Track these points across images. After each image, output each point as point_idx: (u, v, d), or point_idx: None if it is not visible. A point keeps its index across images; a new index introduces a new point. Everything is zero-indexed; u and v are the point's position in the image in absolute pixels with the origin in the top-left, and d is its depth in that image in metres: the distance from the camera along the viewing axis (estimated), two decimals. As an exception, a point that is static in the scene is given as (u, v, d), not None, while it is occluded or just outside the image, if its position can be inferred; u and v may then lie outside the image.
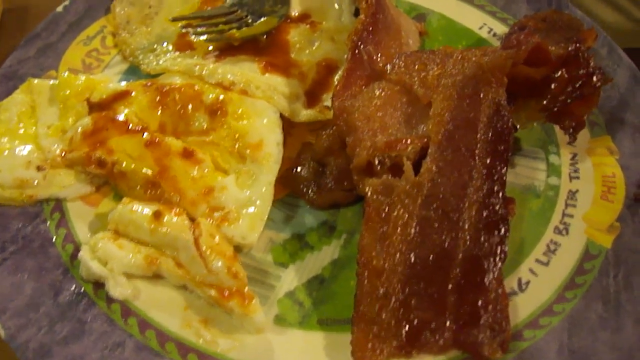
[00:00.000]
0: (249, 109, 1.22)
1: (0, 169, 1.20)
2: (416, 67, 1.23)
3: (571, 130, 1.26)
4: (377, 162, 1.13)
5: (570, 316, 1.07)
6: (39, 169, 1.21)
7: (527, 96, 1.26)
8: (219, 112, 1.21)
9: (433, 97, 1.19)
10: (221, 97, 1.23)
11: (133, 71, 1.38)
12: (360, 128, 1.17)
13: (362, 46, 1.26)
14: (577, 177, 1.26)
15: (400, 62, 1.24)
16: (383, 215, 1.10)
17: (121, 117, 1.22)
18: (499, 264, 1.05)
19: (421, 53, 1.26)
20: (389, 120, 1.19)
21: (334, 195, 1.19)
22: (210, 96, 1.23)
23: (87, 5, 1.46)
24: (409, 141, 1.15)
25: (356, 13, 1.42)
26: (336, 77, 1.32)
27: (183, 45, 1.36)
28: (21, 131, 1.26)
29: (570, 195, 1.24)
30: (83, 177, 1.22)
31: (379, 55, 1.29)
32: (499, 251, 1.06)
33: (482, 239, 1.07)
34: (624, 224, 1.18)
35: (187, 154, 1.17)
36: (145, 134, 1.19)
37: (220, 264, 1.06)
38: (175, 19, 1.34)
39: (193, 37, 1.33)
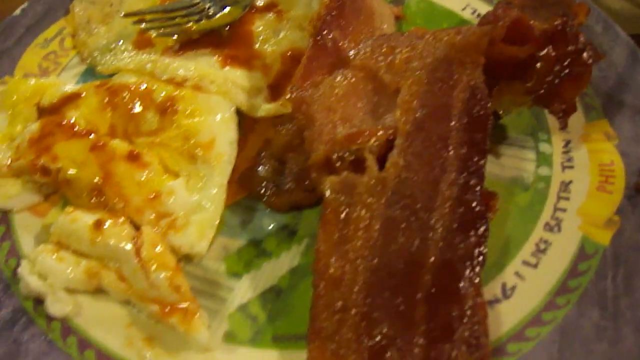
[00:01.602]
0: (201, 106, 1.06)
1: (-58, 180, 1.07)
2: (383, 50, 1.05)
3: (561, 114, 1.06)
4: (336, 157, 0.96)
5: (561, 326, 0.89)
6: (-17, 179, 1.08)
7: (510, 78, 1.06)
8: (168, 111, 1.05)
9: (401, 83, 1.01)
10: (173, 94, 1.07)
11: (91, 73, 1.24)
12: (319, 120, 1.00)
13: (326, 32, 1.09)
14: (571, 167, 1.06)
15: (366, 47, 1.07)
16: (342, 216, 0.92)
17: (67, 121, 1.08)
18: (477, 268, 0.86)
19: (389, 36, 1.09)
20: (352, 111, 1.01)
21: (294, 197, 1.03)
22: (162, 94, 1.08)
23: (47, 7, 1.33)
24: (371, 132, 0.97)
25: (327, -1, 1.25)
26: (302, 68, 1.15)
27: (143, 42, 1.22)
28: (-31, 140, 1.13)
29: (563, 187, 1.04)
30: (30, 186, 1.08)
31: (347, 42, 1.11)
32: (476, 254, 0.87)
33: (457, 240, 0.88)
34: (624, 218, 0.98)
35: (132, 157, 1.02)
36: (92, 137, 1.04)
37: (161, 276, 0.91)
38: (128, 14, 1.20)
39: (151, 33, 1.18)
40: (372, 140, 0.97)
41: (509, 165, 1.08)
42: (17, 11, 1.31)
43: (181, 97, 1.07)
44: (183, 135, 1.03)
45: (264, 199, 1.03)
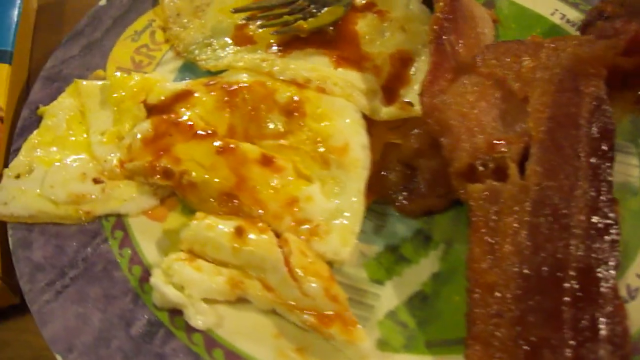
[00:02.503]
0: (328, 109, 0.99)
1: (52, 183, 0.97)
2: (508, 59, 1.02)
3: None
4: (479, 165, 0.92)
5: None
6: (95, 181, 0.97)
7: (619, 88, 1.05)
8: (296, 113, 0.98)
9: (529, 92, 0.98)
10: (297, 96, 0.99)
11: (188, 68, 1.14)
12: (456, 127, 0.95)
13: (444, 36, 1.04)
14: (675, 172, 1.05)
15: (490, 54, 1.02)
16: (491, 224, 0.89)
17: (184, 121, 0.98)
18: (613, 271, 0.85)
19: (510, 44, 1.05)
20: (485, 118, 0.97)
21: (428, 202, 0.97)
22: (285, 95, 1.00)
23: (133, -1, 1.21)
24: (512, 140, 0.94)
25: (424, 1, 1.19)
26: (412, 70, 1.09)
27: (242, 38, 1.13)
28: (72, 139, 1.02)
29: (669, 190, 1.03)
30: (146, 189, 0.98)
31: (460, 45, 1.06)
32: (611, 257, 0.86)
33: (595, 245, 0.86)
34: None
35: (266, 161, 0.94)
36: (216, 139, 0.96)
37: (316, 285, 0.84)
38: (237, 10, 1.10)
39: (258, 29, 1.09)
40: (513, 147, 0.93)
41: (616, 170, 1.05)
42: (102, 1, 1.19)
43: (306, 98, 0.99)
44: (314, 138, 0.96)
45: (397, 204, 0.98)
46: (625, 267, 0.95)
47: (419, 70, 1.10)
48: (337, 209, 0.93)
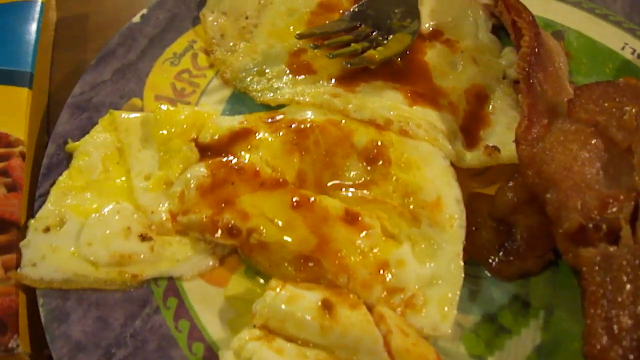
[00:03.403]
0: (414, 156, 0.83)
1: (90, 240, 0.77)
2: (606, 104, 0.87)
3: None
4: (592, 227, 0.77)
5: None
6: (142, 238, 0.78)
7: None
8: (380, 160, 0.81)
9: (633, 142, 0.84)
10: (380, 139, 0.82)
11: (239, 98, 0.95)
12: (563, 182, 0.80)
13: (533, 74, 0.89)
14: None
15: (586, 98, 0.88)
16: (608, 295, 0.75)
17: (248, 166, 0.80)
18: None
19: (604, 86, 0.91)
20: (589, 171, 0.83)
21: (526, 264, 0.82)
22: (365, 137, 0.82)
23: (170, 15, 1.01)
24: (621, 198, 0.80)
25: (493, 30, 1.04)
26: (489, 108, 0.94)
27: (299, 67, 0.95)
28: (109, 183, 0.82)
29: None
30: (202, 247, 0.80)
31: (547, 84, 0.92)
32: None
33: None
34: None
35: (352, 219, 0.77)
36: (290, 191, 0.78)
37: (424, 373, 0.68)
38: (300, 36, 0.92)
39: (329, 56, 0.91)
40: (625, 206, 0.79)
41: None
42: (136, 18, 0.98)
43: (389, 142, 0.83)
44: (402, 191, 0.80)
45: (493, 266, 0.82)
46: None
47: (497, 109, 0.95)
48: (432, 275, 0.77)
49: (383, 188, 0.80)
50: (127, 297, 0.76)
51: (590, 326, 0.74)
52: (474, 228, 0.85)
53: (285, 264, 0.76)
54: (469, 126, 0.92)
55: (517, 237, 0.83)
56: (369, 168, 0.81)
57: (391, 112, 0.85)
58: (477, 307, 0.80)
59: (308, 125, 0.84)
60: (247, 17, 1.01)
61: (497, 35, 1.04)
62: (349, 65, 0.90)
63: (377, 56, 0.91)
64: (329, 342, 0.71)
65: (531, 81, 0.89)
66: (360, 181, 0.81)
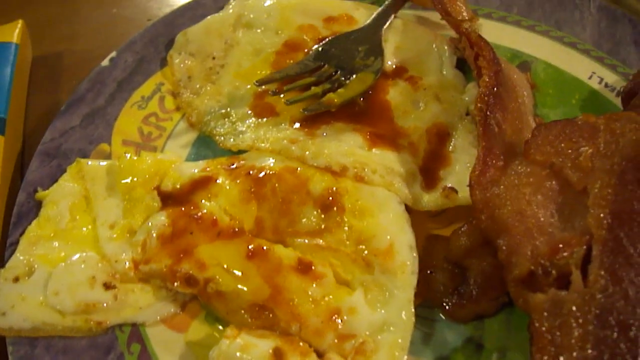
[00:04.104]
0: (369, 202, 0.87)
1: (57, 289, 0.83)
2: (563, 144, 0.91)
3: None
4: (540, 272, 0.81)
5: None
6: (107, 286, 0.84)
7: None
8: (334, 207, 0.85)
9: (588, 184, 0.88)
10: (333, 186, 0.87)
11: (204, 142, 1.00)
12: (514, 227, 0.84)
13: (491, 115, 0.93)
14: None
15: (542, 138, 0.91)
16: (556, 340, 0.79)
17: (207, 215, 0.85)
18: None
19: (562, 125, 0.94)
20: (543, 215, 0.87)
21: (480, 307, 0.87)
22: (320, 185, 0.87)
23: (138, 58, 1.05)
24: (572, 242, 0.83)
25: (457, 64, 1.07)
26: (450, 147, 0.98)
27: (262, 109, 0.99)
28: (76, 232, 0.88)
29: None
30: (164, 294, 0.86)
31: (506, 122, 0.95)
32: None
33: None
34: None
35: (304, 268, 0.82)
36: (245, 239, 0.83)
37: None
38: (260, 83, 0.96)
39: (285, 103, 0.95)
40: (576, 250, 0.83)
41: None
42: (105, 61, 1.03)
43: (344, 190, 0.87)
44: (355, 238, 0.84)
45: (446, 309, 0.87)
46: None
47: (458, 147, 0.99)
48: (383, 321, 0.82)
49: (337, 236, 0.85)
50: (93, 344, 0.82)
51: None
52: (429, 271, 0.90)
53: (242, 312, 0.82)
54: (429, 166, 0.96)
55: (470, 280, 0.87)
56: (323, 216, 0.86)
57: (347, 159, 0.90)
58: (430, 350, 0.85)
59: (266, 173, 0.88)
60: (214, 58, 1.05)
61: (461, 69, 1.08)
62: (306, 112, 0.94)
63: (336, 100, 0.96)
64: (280, 389, 0.76)
65: (488, 122, 0.92)
66: (316, 229, 0.85)
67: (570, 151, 0.90)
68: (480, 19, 1.15)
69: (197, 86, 1.03)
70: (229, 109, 1.00)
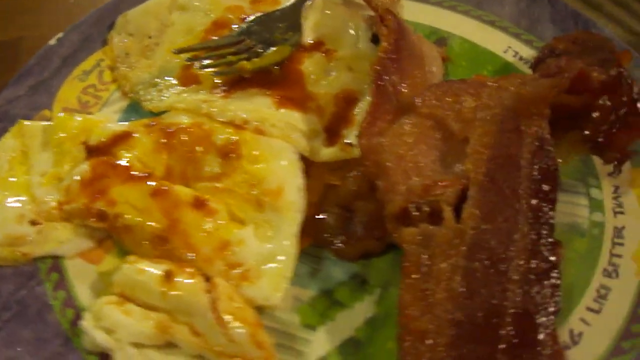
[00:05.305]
0: (265, 151, 1.02)
1: (-11, 224, 0.99)
2: (449, 99, 1.04)
3: (615, 162, 1.07)
4: (413, 208, 0.93)
5: (630, 371, 0.89)
6: (33, 223, 1.00)
7: (567, 127, 1.06)
8: (232, 155, 1.00)
9: (469, 133, 1.00)
10: (234, 137, 1.02)
11: (134, 108, 1.17)
12: (392, 170, 0.97)
13: (386, 77, 1.06)
14: (622, 212, 1.07)
15: (431, 94, 1.04)
16: (423, 269, 0.91)
17: (123, 163, 1.01)
18: (552, 317, 0.87)
19: (452, 83, 1.07)
20: (423, 160, 0.99)
21: (365, 245, 0.99)
22: (222, 137, 1.02)
23: (83, 37, 1.25)
24: (447, 183, 0.95)
25: (373, 39, 1.22)
26: (356, 110, 1.12)
27: (188, 78, 1.16)
28: (12, 179, 1.05)
29: (617, 232, 1.05)
30: (82, 231, 1.01)
31: (404, 85, 1.08)
32: (551, 303, 0.88)
33: (534, 290, 0.88)
34: (681, 263, 0.99)
35: (199, 204, 0.96)
36: (151, 182, 0.98)
37: (242, 331, 0.86)
38: (179, 51, 1.13)
39: (200, 69, 1.11)
40: (449, 190, 0.95)
41: (564, 211, 1.07)
42: (52, 41, 1.23)
43: (243, 140, 1.02)
44: (249, 181, 0.99)
45: (334, 248, 0.99)
46: (569, 311, 0.97)
47: (364, 110, 1.12)
48: (269, 253, 0.95)
49: (234, 179, 1.00)
50: (17, 272, 0.99)
51: (403, 297, 0.90)
52: (322, 215, 1.03)
53: (145, 243, 0.96)
54: (334, 126, 1.10)
55: (356, 221, 1.00)
56: (223, 163, 1.01)
57: (249, 114, 1.05)
58: (316, 283, 0.98)
59: (176, 128, 1.04)
60: (150, 37, 1.23)
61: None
62: (214, 76, 1.10)
63: (249, 66, 1.11)
64: (168, 306, 0.90)
65: (381, 83, 1.06)
66: (216, 174, 1.00)
67: (455, 104, 1.03)
68: (403, 0, 1.30)
69: (133, 61, 1.21)
70: (157, 79, 1.17)
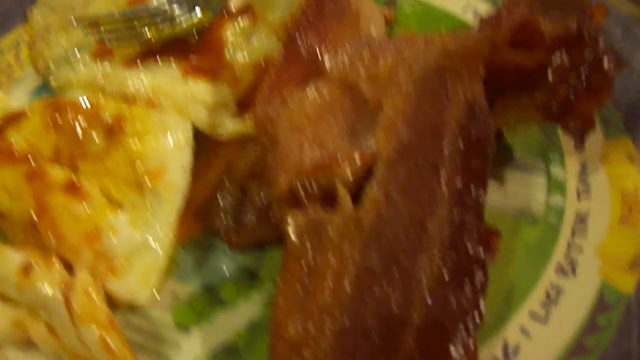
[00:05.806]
0: (152, 126, 0.90)
1: None
2: (365, 60, 0.87)
3: (577, 132, 0.87)
4: (300, 190, 0.78)
5: (576, 398, 0.70)
6: None
7: (516, 90, 0.87)
8: (116, 132, 0.89)
9: (383, 97, 0.83)
10: (123, 113, 0.91)
11: (46, 88, 1.09)
12: (284, 143, 0.82)
13: (300, 38, 0.92)
14: (588, 195, 0.87)
15: (345, 55, 0.89)
16: (307, 265, 0.75)
17: (7, 144, 0.93)
18: (472, 328, 0.68)
19: (373, 42, 0.91)
20: (326, 132, 0.84)
21: (257, 233, 0.85)
22: (109, 112, 0.92)
23: (3, 14, 1.18)
24: (346, 159, 0.79)
25: (308, 1, 1.07)
26: (276, 80, 0.97)
27: (102, 52, 1.06)
28: None
29: (579, 220, 0.86)
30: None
31: (327, 50, 0.93)
32: (471, 310, 0.69)
33: (448, 294, 0.70)
34: (653, 260, 0.78)
35: (70, 187, 0.86)
36: (30, 164, 0.89)
37: (91, 333, 0.75)
38: (80, 21, 1.04)
39: (107, 42, 1.02)
40: (346, 168, 0.79)
41: (514, 193, 0.89)
42: (-27, 19, 1.17)
43: (132, 115, 0.91)
44: (130, 160, 0.87)
45: (224, 235, 0.86)
46: (505, 318, 0.79)
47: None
48: (143, 242, 0.83)
49: (115, 158, 0.89)
50: None
51: (278, 298, 0.73)
52: (217, 198, 0.90)
53: (22, 233, 0.88)
54: (249, 98, 0.97)
55: (248, 204, 0.86)
56: (107, 141, 0.90)
57: (145, 87, 0.94)
58: (200, 277, 0.85)
59: (66, 105, 0.95)
60: (73, 9, 1.15)
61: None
62: (108, 43, 1.00)
63: (155, 35, 1.00)
64: (26, 300, 0.81)
65: (292, 44, 0.92)
66: (99, 153, 0.90)
67: (369, 64, 0.87)
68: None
69: (52, 38, 1.13)
70: (71, 55, 1.08)
